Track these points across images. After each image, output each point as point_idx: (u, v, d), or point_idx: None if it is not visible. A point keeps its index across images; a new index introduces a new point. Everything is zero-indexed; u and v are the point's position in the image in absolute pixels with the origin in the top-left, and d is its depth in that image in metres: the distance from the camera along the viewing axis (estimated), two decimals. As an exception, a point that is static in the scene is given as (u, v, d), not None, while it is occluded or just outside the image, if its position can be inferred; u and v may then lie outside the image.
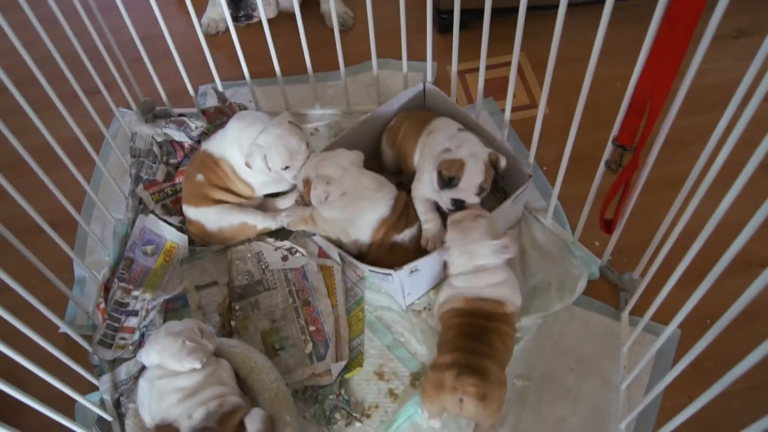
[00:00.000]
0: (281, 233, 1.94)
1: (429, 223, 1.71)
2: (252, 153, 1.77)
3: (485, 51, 1.71)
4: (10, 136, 1.55)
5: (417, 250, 1.69)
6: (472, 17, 1.87)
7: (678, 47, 1.15)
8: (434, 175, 1.67)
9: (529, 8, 1.48)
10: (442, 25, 2.31)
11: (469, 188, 1.64)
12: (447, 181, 1.64)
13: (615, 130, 1.39)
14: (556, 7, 1.35)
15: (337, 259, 1.83)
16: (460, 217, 1.61)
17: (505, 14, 1.70)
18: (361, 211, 1.72)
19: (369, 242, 1.73)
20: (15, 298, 1.39)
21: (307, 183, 1.78)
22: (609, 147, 1.45)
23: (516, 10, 1.48)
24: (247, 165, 1.79)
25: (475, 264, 1.55)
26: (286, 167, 1.80)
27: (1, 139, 1.55)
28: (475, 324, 1.49)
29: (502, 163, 1.69)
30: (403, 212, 1.73)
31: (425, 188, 1.74)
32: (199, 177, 1.89)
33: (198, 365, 1.50)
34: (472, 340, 1.46)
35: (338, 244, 1.80)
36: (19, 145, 1.56)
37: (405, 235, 1.71)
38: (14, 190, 1.53)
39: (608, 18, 1.25)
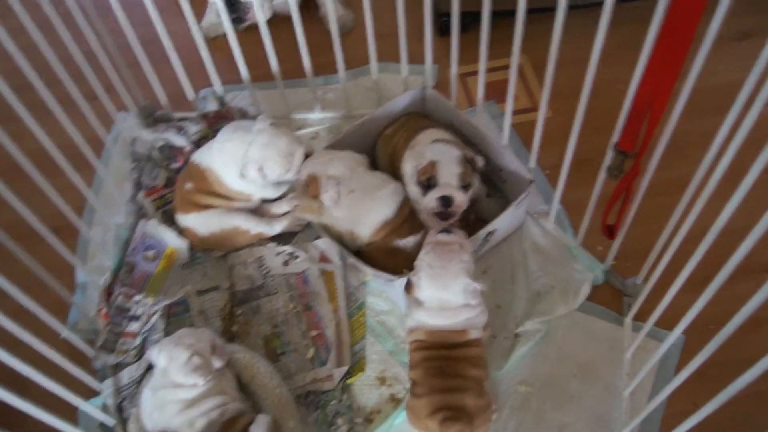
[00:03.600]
0: (283, 238, 1.93)
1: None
2: (246, 166, 1.76)
3: (485, 54, 1.70)
4: (7, 141, 1.54)
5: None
6: (473, 19, 1.86)
7: (679, 50, 1.14)
8: (417, 190, 1.68)
9: (531, 10, 1.47)
10: (443, 28, 2.30)
11: (450, 181, 1.63)
12: (426, 183, 1.64)
13: (615, 136, 1.38)
14: (551, 9, 1.34)
15: (339, 262, 1.83)
16: (443, 240, 1.56)
17: (506, 16, 1.68)
18: (365, 209, 1.71)
19: (367, 241, 1.73)
20: (17, 304, 1.40)
21: (314, 179, 1.75)
22: (609, 153, 1.43)
23: (512, 14, 1.48)
24: (242, 176, 1.78)
25: (442, 297, 1.50)
26: (287, 171, 1.79)
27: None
28: (442, 357, 1.49)
29: (480, 162, 1.69)
30: (409, 217, 1.71)
31: (414, 198, 1.73)
32: (188, 185, 1.89)
33: (200, 382, 1.49)
34: (444, 378, 1.46)
35: (339, 238, 1.79)
36: (18, 150, 1.56)
37: (408, 242, 1.69)
38: (14, 195, 1.53)
39: (608, 19, 1.24)
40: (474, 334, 1.51)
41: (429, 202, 1.66)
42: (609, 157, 1.44)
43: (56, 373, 1.38)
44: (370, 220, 1.70)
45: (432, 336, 1.51)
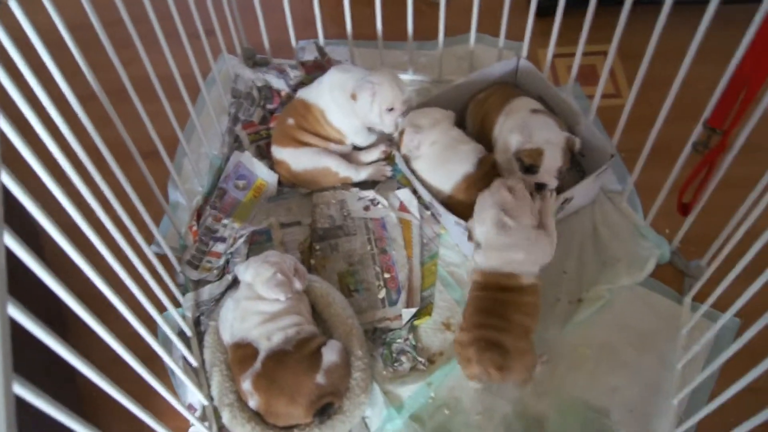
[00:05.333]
0: (365, 185, 2.04)
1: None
2: (362, 86, 1.85)
3: (585, 37, 1.81)
4: (119, 66, 1.57)
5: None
6: (567, 3, 1.94)
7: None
8: (513, 160, 1.75)
9: (637, 2, 1.58)
10: (539, 9, 2.37)
11: (549, 173, 1.72)
12: (528, 168, 1.73)
13: (706, 113, 1.47)
14: (653, 2, 1.45)
15: (417, 215, 1.94)
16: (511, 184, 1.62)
17: (603, 3, 1.78)
18: (445, 162, 1.82)
19: (448, 194, 1.82)
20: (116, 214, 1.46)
21: (402, 131, 1.88)
22: (698, 129, 1.52)
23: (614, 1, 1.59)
24: (353, 97, 1.87)
25: (483, 233, 1.59)
26: (391, 109, 1.88)
27: (109, 68, 1.56)
28: (490, 298, 1.56)
29: (577, 145, 1.77)
30: (491, 174, 1.78)
31: (505, 164, 1.81)
32: (290, 120, 2.00)
33: (282, 297, 1.61)
34: (488, 316, 1.54)
35: (426, 186, 1.86)
36: (125, 75, 1.60)
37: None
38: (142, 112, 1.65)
39: (710, 18, 1.34)
40: (526, 281, 1.56)
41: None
42: (697, 132, 1.53)
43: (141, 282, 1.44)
44: (451, 170, 1.81)
45: (485, 277, 1.59)
